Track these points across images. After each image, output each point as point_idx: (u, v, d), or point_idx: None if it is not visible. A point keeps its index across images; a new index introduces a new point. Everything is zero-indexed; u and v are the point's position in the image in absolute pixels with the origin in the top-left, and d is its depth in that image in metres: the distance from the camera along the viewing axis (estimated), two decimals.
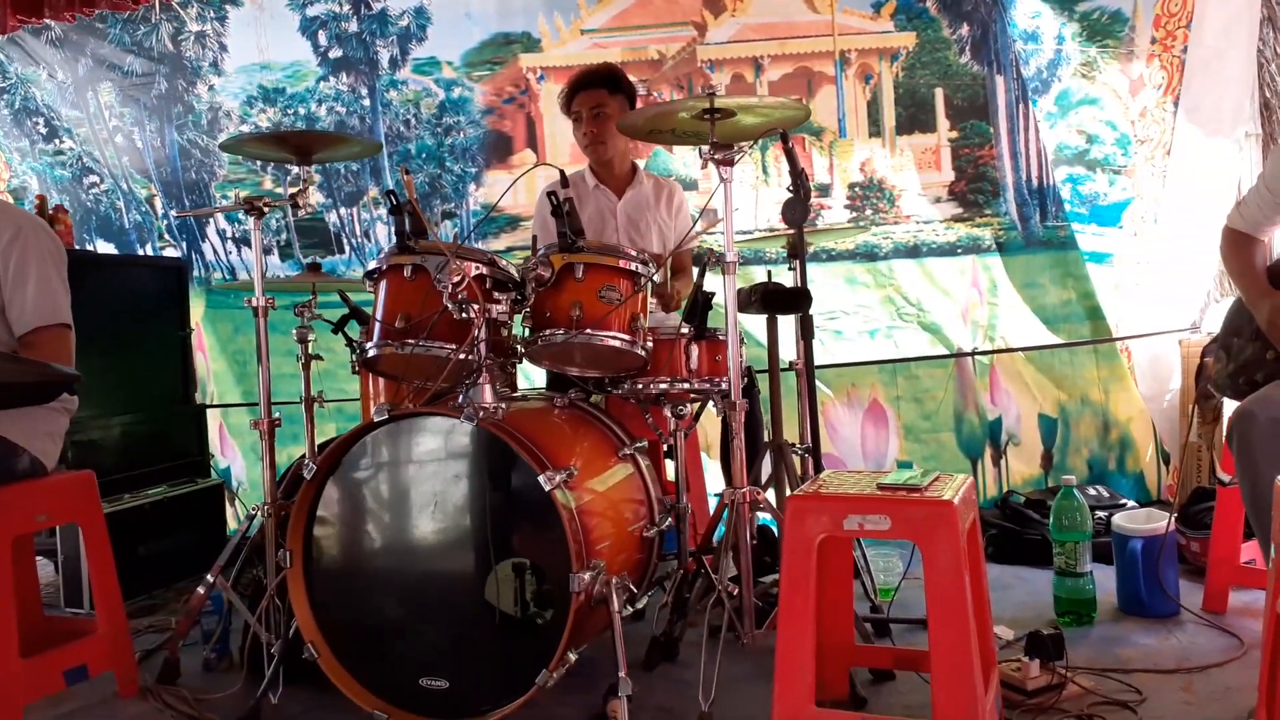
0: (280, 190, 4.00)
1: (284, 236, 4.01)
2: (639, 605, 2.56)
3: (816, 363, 3.67)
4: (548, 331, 2.40)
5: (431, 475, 2.29)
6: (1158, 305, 3.64)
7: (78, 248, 4.12)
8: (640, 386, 2.62)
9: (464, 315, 2.28)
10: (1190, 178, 3.53)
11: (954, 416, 3.78)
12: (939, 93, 3.74)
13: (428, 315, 2.36)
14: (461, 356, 2.31)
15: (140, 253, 4.27)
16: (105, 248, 4.31)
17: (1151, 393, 3.72)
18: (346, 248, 3.87)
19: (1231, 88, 3.54)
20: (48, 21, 3.89)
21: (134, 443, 3.69)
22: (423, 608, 2.27)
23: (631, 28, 3.71)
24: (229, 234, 4.06)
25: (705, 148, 2.34)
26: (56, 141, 4.18)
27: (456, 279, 2.30)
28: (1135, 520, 2.79)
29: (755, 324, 3.24)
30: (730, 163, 2.31)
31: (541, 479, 2.10)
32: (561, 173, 2.51)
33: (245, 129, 3.87)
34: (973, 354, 3.76)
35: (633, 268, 2.45)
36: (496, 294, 2.39)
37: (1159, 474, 3.76)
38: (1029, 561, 3.25)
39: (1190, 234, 3.47)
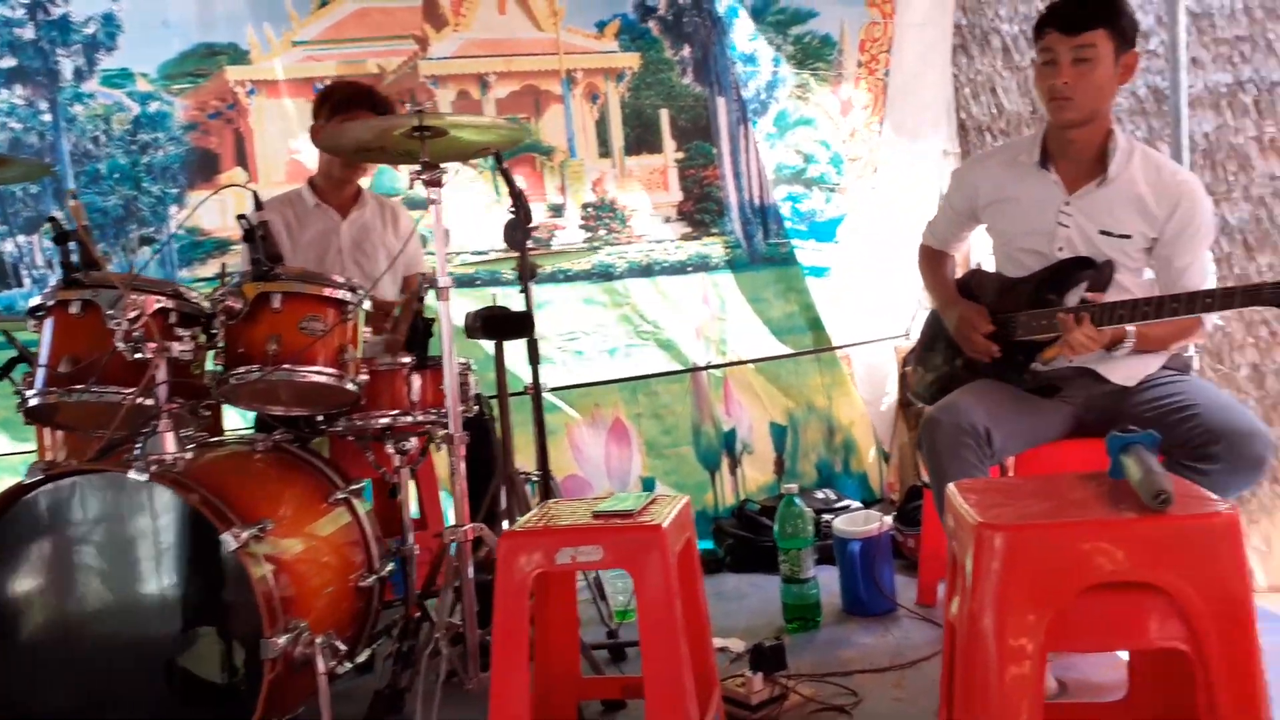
0: None
1: None
2: (360, 659, 2.40)
3: (559, 384, 3.70)
4: (242, 369, 2.19)
5: (105, 540, 2.04)
6: (872, 315, 3.87)
7: None
8: (360, 423, 2.47)
9: (139, 355, 2.05)
10: (897, 194, 3.78)
11: (692, 430, 3.84)
12: (664, 114, 3.79)
13: (97, 357, 2.11)
14: (137, 402, 2.08)
15: None
16: None
17: (870, 396, 3.95)
18: (26, 280, 3.42)
19: (929, 109, 3.82)
20: None
21: None
22: (105, 690, 2.01)
23: (347, 40, 3.51)
24: None
25: (414, 168, 2.22)
26: None
27: (133, 315, 2.06)
28: (854, 522, 2.92)
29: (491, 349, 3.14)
30: (438, 183, 2.20)
31: (226, 537, 1.91)
32: (254, 194, 2.31)
33: None
34: (706, 368, 3.84)
35: (339, 295, 2.29)
36: (180, 330, 2.16)
37: (880, 473, 3.98)
38: (765, 568, 3.31)
39: (899, 246, 3.70)
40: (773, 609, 2.90)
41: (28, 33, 3.32)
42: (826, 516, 3.31)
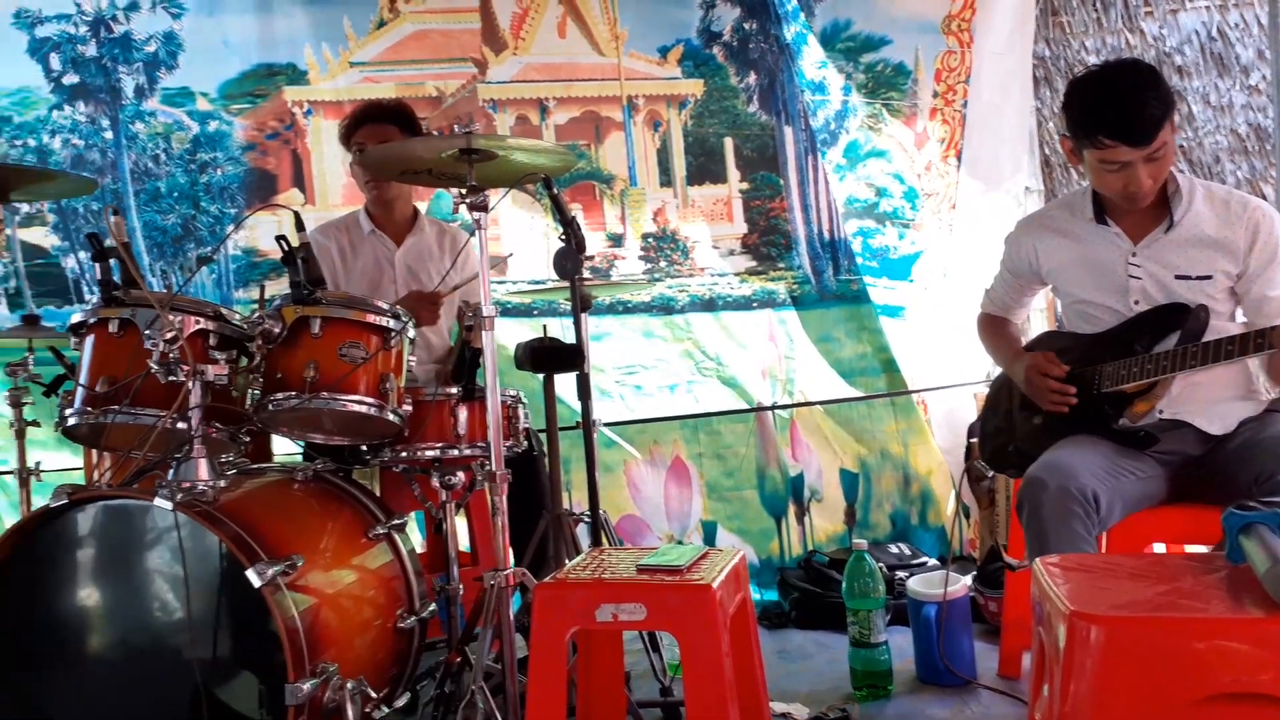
0: (10, 232, 3.50)
1: (13, 284, 3.51)
2: (400, 703, 2.28)
3: (616, 419, 3.55)
4: (280, 395, 2.10)
5: (128, 568, 1.94)
6: (951, 358, 3.64)
7: None
8: (404, 454, 2.35)
9: (172, 378, 1.96)
10: (975, 231, 3.58)
11: (756, 473, 3.65)
12: (729, 142, 3.65)
13: (134, 378, 2.03)
14: (169, 425, 1.99)
15: None
16: None
17: (949, 445, 3.71)
18: (87, 296, 3.41)
19: (1009, 143, 3.63)
20: None
21: None
22: None
23: (406, 62, 3.46)
24: None
25: (459, 191, 2.11)
26: None
27: (170, 335, 1.97)
28: (930, 583, 2.69)
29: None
30: (484, 207, 2.09)
31: (250, 573, 1.78)
32: (296, 215, 2.21)
33: None
34: (772, 408, 3.66)
35: (382, 322, 2.18)
36: (217, 353, 2.07)
37: (960, 528, 3.73)
38: (833, 625, 3.08)
39: (978, 287, 3.49)
40: (840, 672, 2.69)
41: (90, 50, 3.33)
42: (901, 574, 3.09)
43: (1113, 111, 2.08)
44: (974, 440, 2.70)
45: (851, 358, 3.70)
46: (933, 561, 3.35)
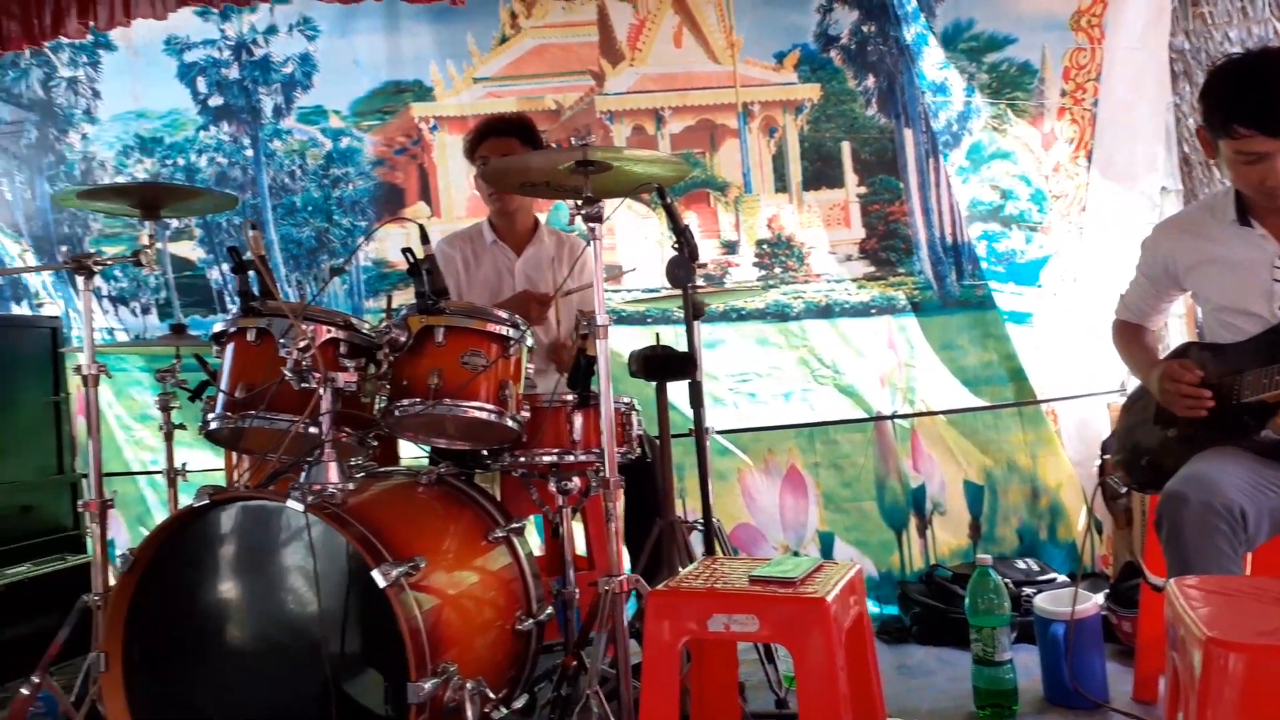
0: (161, 246, 3.74)
1: (164, 295, 3.75)
2: (518, 704, 2.32)
3: (730, 426, 3.54)
4: (405, 402, 2.18)
5: (264, 565, 2.04)
6: (1082, 366, 3.49)
7: None
8: (522, 459, 2.41)
9: (305, 385, 2.05)
10: (1108, 235, 3.42)
11: (875, 484, 3.58)
12: (846, 146, 3.59)
13: (269, 384, 2.13)
14: (302, 430, 2.08)
15: (15, 310, 3.98)
16: None
17: (1080, 457, 3.54)
18: (229, 305, 3.62)
19: (1144, 141, 3.46)
20: None
21: None
22: (259, 715, 2.00)
23: (527, 76, 3.54)
24: (105, 291, 3.79)
25: (575, 203, 2.15)
26: None
27: (302, 344, 2.07)
28: (1059, 601, 2.58)
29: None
30: (598, 218, 2.11)
31: (376, 574, 1.85)
32: (421, 228, 2.29)
33: (121, 180, 3.63)
34: (892, 417, 3.58)
35: (502, 331, 2.24)
36: (347, 360, 2.16)
37: (1092, 543, 3.57)
38: (956, 642, 3.00)
39: (1110, 292, 3.34)
40: (962, 690, 2.61)
41: (233, 73, 3.53)
42: (1028, 590, 2.98)
43: (1251, 98, 1.96)
44: (1107, 457, 2.58)
45: (976, 366, 3.58)
46: (1062, 578, 3.21)
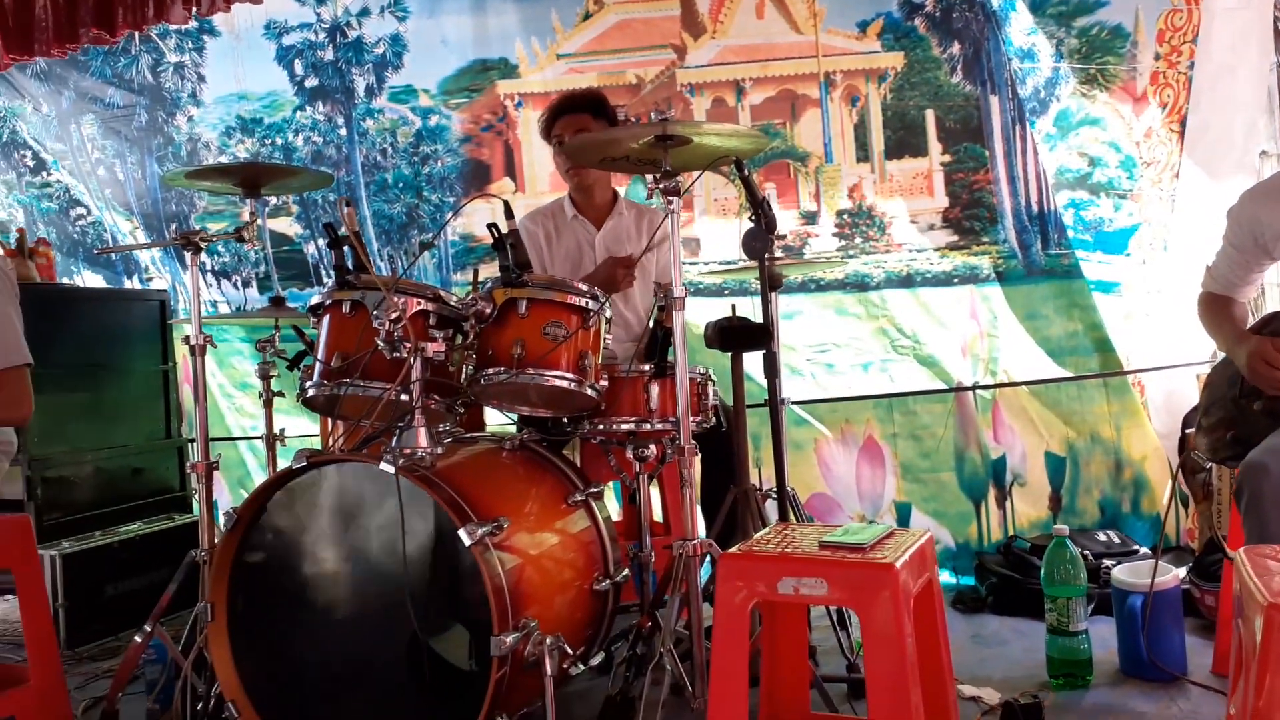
0: (261, 222, 3.93)
1: (263, 269, 3.94)
2: (594, 661, 2.42)
3: (807, 397, 3.57)
4: (490, 371, 2.27)
5: (357, 524, 2.16)
6: (1171, 336, 3.41)
7: (63, 280, 4.10)
8: (601, 427, 2.49)
9: (396, 354, 2.16)
10: (1201, 202, 3.31)
11: (955, 455, 3.57)
12: (930, 115, 3.56)
13: (363, 354, 2.25)
14: (393, 397, 2.20)
15: (127, 284, 4.23)
16: (94, 279, 4.28)
17: (1167, 429, 3.47)
18: (325, 279, 3.78)
19: (1243, 106, 3.33)
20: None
21: (108, 479, 3.67)
22: (350, 665, 2.13)
23: (609, 51, 3.59)
24: (209, 266, 4.00)
25: (653, 176, 2.20)
26: (44, 174, 4.16)
27: (394, 315, 2.18)
28: (1137, 573, 2.57)
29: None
30: (676, 192, 2.16)
31: (462, 533, 1.96)
32: (505, 204, 2.38)
33: (224, 160, 3.81)
34: (973, 388, 3.55)
35: (581, 303, 2.31)
36: (435, 331, 2.26)
37: (1178, 517, 3.50)
38: (1032, 613, 2.99)
39: (1202, 262, 3.25)
40: (1036, 660, 2.62)
41: (328, 54, 3.67)
42: (1108, 562, 2.96)
43: None
44: (1189, 431, 2.53)
45: (1061, 336, 3.52)
46: (1144, 551, 3.17)
